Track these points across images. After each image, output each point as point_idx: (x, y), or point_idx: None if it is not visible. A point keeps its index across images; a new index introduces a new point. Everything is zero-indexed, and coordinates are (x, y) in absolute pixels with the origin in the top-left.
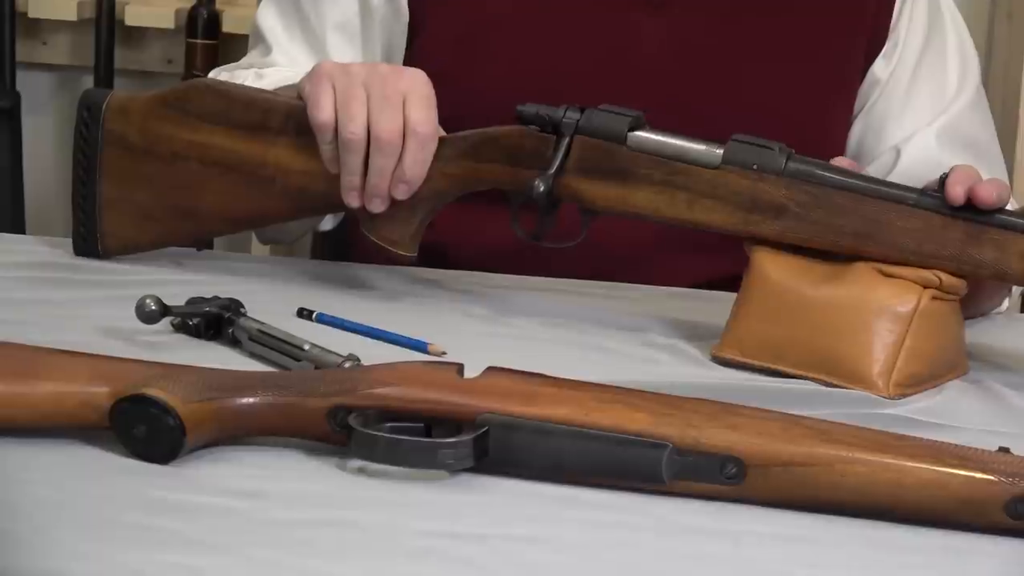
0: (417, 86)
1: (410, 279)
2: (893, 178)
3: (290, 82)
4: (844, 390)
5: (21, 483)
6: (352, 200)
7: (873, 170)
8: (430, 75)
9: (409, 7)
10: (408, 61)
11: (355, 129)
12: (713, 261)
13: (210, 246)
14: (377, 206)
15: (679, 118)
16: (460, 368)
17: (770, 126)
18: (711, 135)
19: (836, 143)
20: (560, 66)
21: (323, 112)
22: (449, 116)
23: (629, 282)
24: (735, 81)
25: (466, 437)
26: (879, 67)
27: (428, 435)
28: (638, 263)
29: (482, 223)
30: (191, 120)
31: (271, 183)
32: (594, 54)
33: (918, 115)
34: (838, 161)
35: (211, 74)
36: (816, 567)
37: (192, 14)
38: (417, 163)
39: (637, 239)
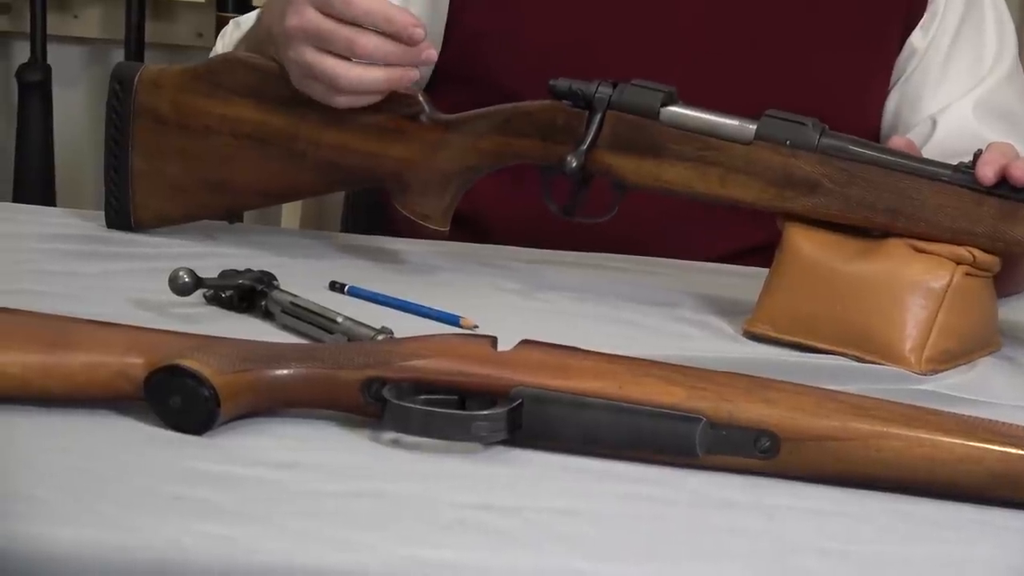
0: None
1: (442, 253)
2: (929, 149)
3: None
4: (877, 366)
5: (55, 453)
6: None
7: None
8: (469, 35)
9: None
10: (450, 19)
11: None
12: (747, 230)
13: (240, 219)
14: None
15: (714, 88)
16: (494, 341)
17: (806, 97)
18: (746, 106)
19: (872, 113)
20: (595, 34)
21: None
22: (484, 80)
23: (664, 250)
24: (771, 51)
25: (500, 410)
26: (917, 37)
27: (462, 407)
28: (673, 231)
29: (517, 189)
30: (222, 94)
31: (303, 157)
32: (630, 24)
33: (955, 86)
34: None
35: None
36: (849, 541)
37: None
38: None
39: (671, 206)
